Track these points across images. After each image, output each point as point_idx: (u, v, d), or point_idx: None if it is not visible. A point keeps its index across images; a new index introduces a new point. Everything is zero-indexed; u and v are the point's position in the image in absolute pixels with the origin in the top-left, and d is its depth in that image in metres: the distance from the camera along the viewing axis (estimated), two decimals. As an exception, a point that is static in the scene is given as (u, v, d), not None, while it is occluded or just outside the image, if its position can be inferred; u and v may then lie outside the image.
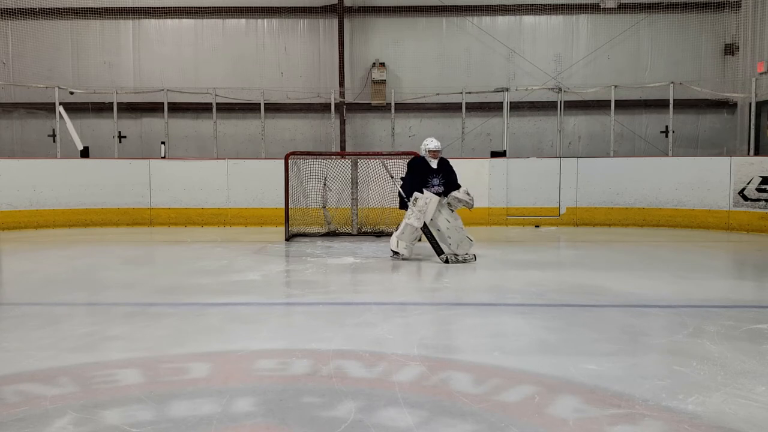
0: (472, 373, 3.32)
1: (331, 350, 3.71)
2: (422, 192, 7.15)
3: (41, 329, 4.23)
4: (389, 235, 9.26)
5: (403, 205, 7.42)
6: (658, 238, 9.34)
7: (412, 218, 7.08)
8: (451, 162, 7.50)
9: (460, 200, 7.21)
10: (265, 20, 13.51)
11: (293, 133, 13.54)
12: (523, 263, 6.99)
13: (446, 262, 6.97)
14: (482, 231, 10.17)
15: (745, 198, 9.90)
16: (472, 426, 2.64)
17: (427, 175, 7.32)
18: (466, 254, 7.10)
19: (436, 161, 7.40)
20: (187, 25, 13.50)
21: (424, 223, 7.06)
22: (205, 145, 12.89)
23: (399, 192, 7.55)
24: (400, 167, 9.28)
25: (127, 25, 13.46)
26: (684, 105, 12.14)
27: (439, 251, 7.05)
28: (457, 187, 7.31)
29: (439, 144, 7.47)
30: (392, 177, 7.82)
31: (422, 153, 7.48)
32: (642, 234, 9.91)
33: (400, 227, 7.28)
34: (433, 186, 7.26)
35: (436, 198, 7.11)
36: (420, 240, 7.51)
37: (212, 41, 13.51)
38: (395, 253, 7.29)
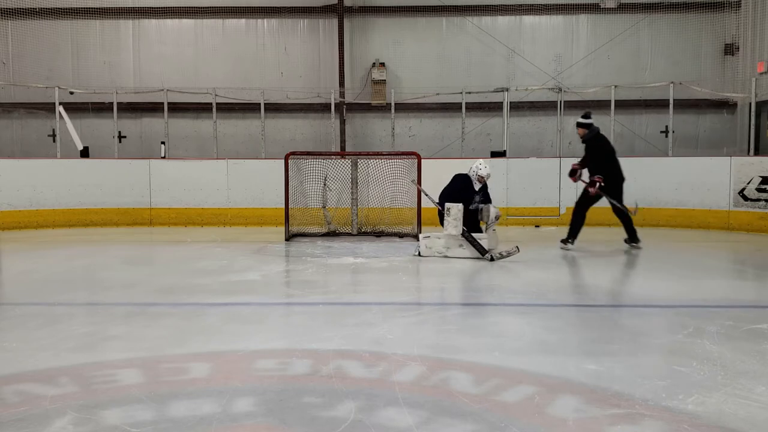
0: (472, 373, 3.32)
1: (331, 350, 3.70)
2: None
3: (41, 329, 4.22)
4: (389, 235, 9.34)
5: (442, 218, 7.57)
6: (658, 238, 9.33)
7: (450, 228, 7.14)
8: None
9: (491, 213, 7.37)
10: (265, 20, 13.52)
11: (293, 133, 13.54)
12: (523, 263, 6.99)
13: (492, 260, 7.02)
14: (482, 231, 10.16)
15: (745, 198, 9.90)
16: (472, 426, 2.64)
17: (472, 194, 7.59)
18: (509, 250, 7.16)
19: (480, 185, 7.69)
20: (187, 25, 13.51)
21: (464, 229, 7.13)
22: (205, 145, 12.89)
23: (437, 208, 7.63)
24: (400, 167, 9.31)
25: (127, 25, 13.47)
26: (684, 105, 12.14)
27: (483, 251, 7.10)
28: None
29: (490, 173, 7.74)
30: (427, 195, 7.88)
31: (471, 172, 7.68)
32: (642, 234, 9.90)
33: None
34: (475, 203, 7.55)
35: (461, 206, 7.22)
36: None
37: (212, 41, 13.52)
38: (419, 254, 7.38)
